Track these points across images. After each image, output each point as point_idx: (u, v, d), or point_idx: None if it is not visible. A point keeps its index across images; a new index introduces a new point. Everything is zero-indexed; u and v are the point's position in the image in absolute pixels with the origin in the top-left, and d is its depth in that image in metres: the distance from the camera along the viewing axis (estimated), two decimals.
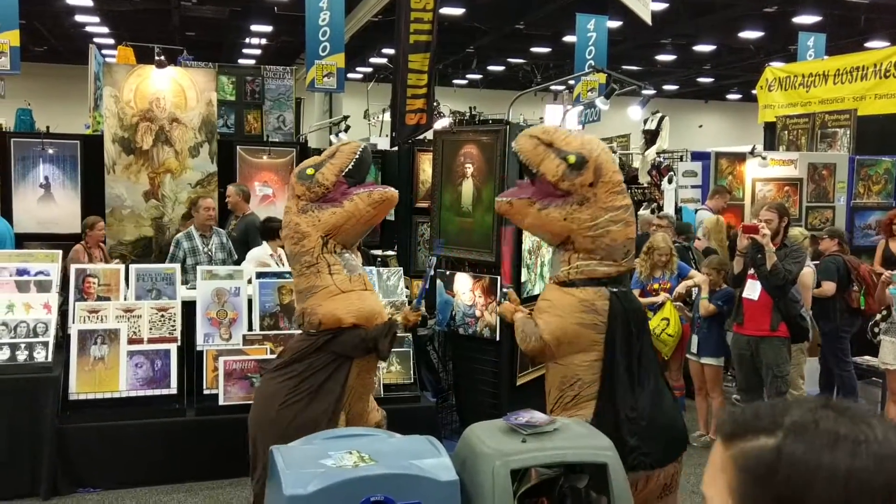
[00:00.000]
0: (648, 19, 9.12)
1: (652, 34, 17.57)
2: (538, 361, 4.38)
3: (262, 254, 6.44)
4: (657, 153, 11.40)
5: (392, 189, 3.94)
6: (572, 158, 3.42)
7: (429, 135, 8.39)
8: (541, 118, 19.86)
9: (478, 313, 5.57)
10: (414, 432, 3.26)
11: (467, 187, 5.64)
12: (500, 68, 25.87)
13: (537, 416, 2.98)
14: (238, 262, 6.52)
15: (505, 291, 4.61)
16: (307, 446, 2.85)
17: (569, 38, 17.63)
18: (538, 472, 2.91)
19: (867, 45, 17.44)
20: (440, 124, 8.43)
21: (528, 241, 5.55)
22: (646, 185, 11.59)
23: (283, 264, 6.09)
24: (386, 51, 20.98)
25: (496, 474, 2.70)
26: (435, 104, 10.08)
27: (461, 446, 2.97)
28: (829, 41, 14.27)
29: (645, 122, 11.68)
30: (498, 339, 5.43)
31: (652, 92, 7.53)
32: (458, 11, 17.06)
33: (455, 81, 27.48)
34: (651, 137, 11.48)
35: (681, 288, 6.07)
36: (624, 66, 23.28)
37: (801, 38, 13.83)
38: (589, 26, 12.38)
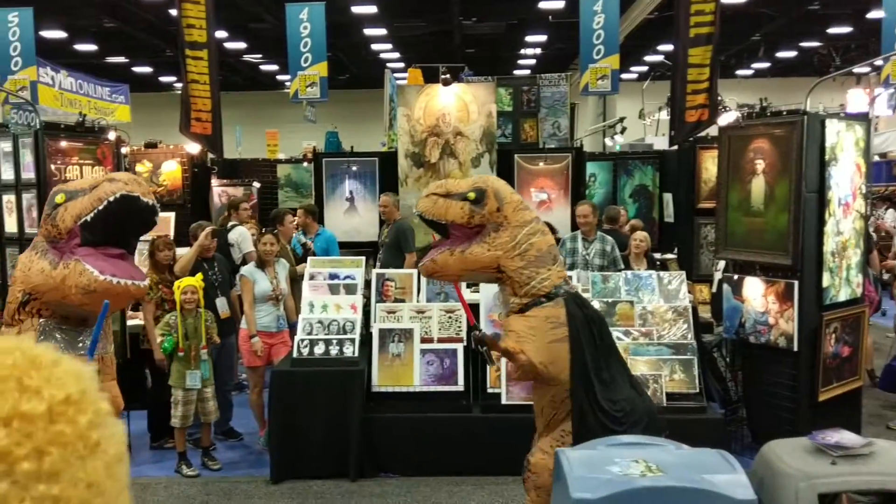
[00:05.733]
0: None
1: None
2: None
3: None
4: None
5: (130, 283, 2.83)
6: (472, 195, 3.61)
7: (712, 131, 7.95)
8: (841, 105, 17.85)
9: (771, 320, 5.15)
10: (699, 446, 3.08)
11: (758, 185, 5.26)
12: (792, 54, 23.69)
13: (849, 437, 2.68)
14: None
15: (479, 335, 3.73)
16: (592, 451, 2.83)
17: (874, 14, 15.63)
18: (850, 498, 2.61)
19: None
20: (725, 119, 7.94)
21: (831, 241, 5.01)
22: None
23: None
24: (662, 47, 20.33)
25: (800, 497, 2.47)
26: (718, 98, 9.54)
27: (758, 464, 2.76)
28: None
29: None
30: (796, 349, 4.97)
31: None
32: None
33: (738, 73, 25.76)
34: None
35: None
36: None
37: None
38: None
